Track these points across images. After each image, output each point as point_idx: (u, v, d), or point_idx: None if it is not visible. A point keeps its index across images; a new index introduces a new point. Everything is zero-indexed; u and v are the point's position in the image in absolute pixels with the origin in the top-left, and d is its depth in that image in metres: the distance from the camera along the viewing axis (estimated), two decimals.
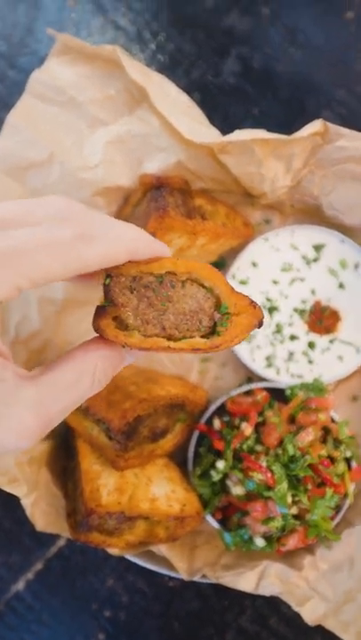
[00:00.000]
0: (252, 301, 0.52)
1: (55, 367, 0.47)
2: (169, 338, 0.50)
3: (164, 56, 1.01)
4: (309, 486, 0.82)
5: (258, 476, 0.82)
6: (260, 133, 0.84)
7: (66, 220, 0.46)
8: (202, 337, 0.51)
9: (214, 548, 0.91)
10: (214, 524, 0.88)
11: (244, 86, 1.01)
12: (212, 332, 0.51)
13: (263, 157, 0.86)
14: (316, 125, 0.84)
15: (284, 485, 0.81)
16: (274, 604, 0.93)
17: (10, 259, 0.41)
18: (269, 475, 0.81)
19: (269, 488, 0.82)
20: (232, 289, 0.52)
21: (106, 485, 0.83)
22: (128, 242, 0.48)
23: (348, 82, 1.01)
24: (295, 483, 0.82)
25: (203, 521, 0.90)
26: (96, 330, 0.49)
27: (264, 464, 0.83)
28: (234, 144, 0.85)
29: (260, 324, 0.52)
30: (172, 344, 0.50)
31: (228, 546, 0.87)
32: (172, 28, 1.02)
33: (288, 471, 0.82)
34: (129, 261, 0.49)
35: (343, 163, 0.86)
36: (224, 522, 0.89)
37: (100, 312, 0.50)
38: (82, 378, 0.47)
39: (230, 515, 0.89)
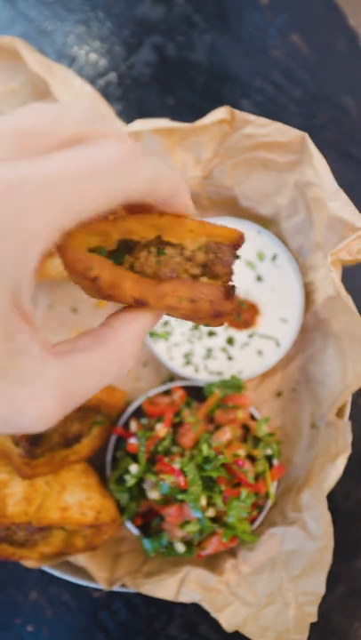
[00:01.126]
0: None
1: (84, 348, 0.40)
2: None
3: (75, 48, 0.98)
4: (223, 487, 0.78)
5: (170, 479, 0.79)
6: (163, 122, 0.81)
7: (104, 136, 0.38)
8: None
9: (139, 556, 0.88)
10: (134, 530, 0.85)
11: (158, 76, 0.98)
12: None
13: (170, 148, 0.83)
14: (221, 112, 0.81)
15: (198, 487, 0.78)
16: (204, 611, 0.89)
17: (51, 189, 0.33)
18: (181, 477, 0.78)
19: (183, 491, 0.79)
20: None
21: (13, 495, 0.79)
22: (172, 177, 0.40)
23: (264, 69, 0.98)
24: (210, 484, 0.79)
25: (121, 528, 0.86)
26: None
27: (177, 466, 0.79)
28: (137, 135, 0.81)
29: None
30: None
31: (148, 552, 0.84)
32: (83, 18, 0.99)
33: (202, 472, 0.79)
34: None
35: (253, 150, 0.83)
36: (145, 528, 0.86)
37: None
38: (110, 365, 0.41)
39: (151, 519, 0.85)
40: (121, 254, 0.43)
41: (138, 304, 0.43)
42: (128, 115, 0.97)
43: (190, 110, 0.98)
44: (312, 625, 0.85)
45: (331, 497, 0.87)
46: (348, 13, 0.99)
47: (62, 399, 0.37)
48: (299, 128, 0.94)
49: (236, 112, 0.81)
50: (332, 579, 0.87)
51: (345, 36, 0.99)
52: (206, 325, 0.46)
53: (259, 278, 0.88)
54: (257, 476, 0.84)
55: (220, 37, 0.98)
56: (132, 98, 0.98)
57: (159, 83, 0.98)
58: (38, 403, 0.36)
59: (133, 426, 0.86)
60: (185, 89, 0.98)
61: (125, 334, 0.42)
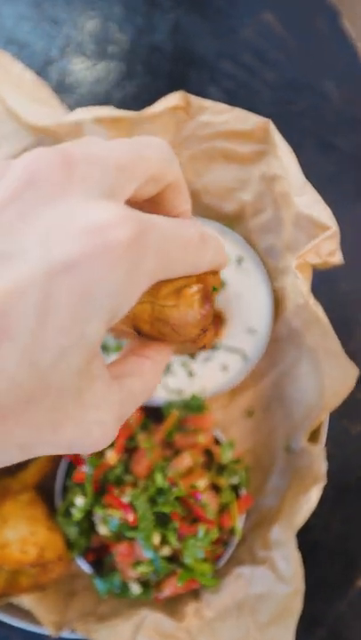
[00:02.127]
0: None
1: (132, 373, 0.43)
2: None
3: (26, 33, 0.90)
4: (177, 524, 0.69)
5: (118, 514, 0.69)
6: (108, 110, 0.72)
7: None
8: None
9: (94, 594, 0.79)
10: (86, 567, 0.76)
11: (117, 62, 0.89)
12: None
13: (117, 138, 0.74)
14: (174, 98, 0.72)
15: (149, 524, 0.69)
16: None
17: (167, 247, 0.36)
18: (131, 512, 0.69)
19: (133, 527, 0.70)
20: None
21: None
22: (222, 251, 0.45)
23: (234, 51, 0.88)
24: (164, 520, 0.70)
25: (71, 565, 0.77)
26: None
27: (127, 499, 0.70)
28: (80, 125, 0.72)
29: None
30: None
31: (101, 593, 0.75)
32: (36, 0, 0.90)
33: (154, 507, 0.69)
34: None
35: (212, 140, 0.74)
36: (99, 564, 0.77)
37: None
38: (149, 386, 0.44)
39: (104, 556, 0.76)
40: None
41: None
42: (83, 105, 0.88)
43: (153, 99, 0.89)
44: None
45: (309, 530, 0.78)
46: None
47: (119, 422, 0.39)
48: (274, 116, 0.84)
49: (192, 97, 0.72)
50: (312, 622, 0.77)
51: (324, 13, 0.88)
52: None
53: (222, 284, 0.78)
54: (222, 508, 0.74)
55: (186, 16, 0.89)
56: (86, 86, 0.89)
57: (118, 69, 0.89)
58: (104, 427, 0.37)
59: None
60: (146, 75, 0.89)
61: (160, 363, 0.45)
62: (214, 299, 0.47)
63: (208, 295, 0.45)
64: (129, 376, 0.42)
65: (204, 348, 0.48)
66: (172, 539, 0.69)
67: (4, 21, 0.90)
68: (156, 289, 0.45)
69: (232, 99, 0.88)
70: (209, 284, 0.46)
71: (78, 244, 0.31)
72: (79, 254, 0.31)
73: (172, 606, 0.75)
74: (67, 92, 0.89)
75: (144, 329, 0.45)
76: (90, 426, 0.36)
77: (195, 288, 0.44)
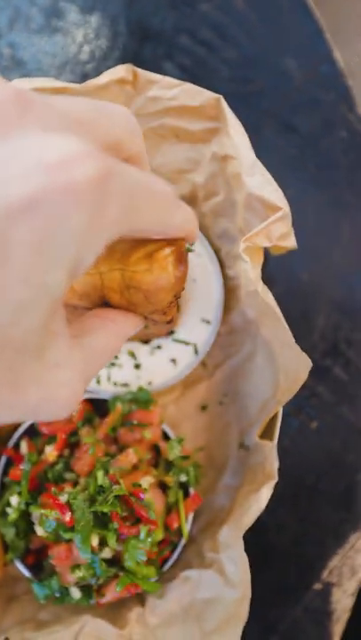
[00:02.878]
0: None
1: (91, 329, 0.41)
2: None
3: None
4: (117, 525, 0.64)
5: (53, 514, 0.65)
6: (47, 81, 0.67)
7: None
8: None
9: (35, 599, 0.74)
10: (24, 571, 0.71)
11: (62, 33, 0.84)
12: None
13: None
14: (120, 70, 0.67)
15: (87, 525, 0.64)
16: None
17: (132, 195, 0.33)
18: (67, 512, 0.64)
19: (70, 528, 0.65)
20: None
21: None
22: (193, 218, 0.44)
23: (192, 26, 0.84)
24: (103, 520, 0.65)
25: (7, 568, 0.73)
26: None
27: (64, 498, 0.65)
28: None
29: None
30: None
31: (39, 599, 0.70)
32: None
33: (92, 506, 0.65)
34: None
35: (161, 117, 0.70)
36: (38, 567, 0.72)
37: None
38: (112, 347, 0.43)
39: (43, 559, 0.72)
40: None
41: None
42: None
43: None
44: None
45: (263, 532, 0.74)
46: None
47: (85, 384, 0.37)
48: (232, 95, 0.80)
49: (139, 71, 0.67)
50: (266, 629, 0.74)
51: None
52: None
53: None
54: (169, 508, 0.70)
55: None
56: (36, 62, 0.84)
57: (69, 43, 0.84)
58: (70, 388, 0.35)
59: (24, 447, 0.72)
60: (97, 51, 0.84)
61: (125, 328, 0.45)
62: (187, 260, 0.45)
63: (182, 256, 0.43)
64: (89, 335, 0.40)
65: (171, 323, 0.47)
66: (112, 540, 0.64)
67: None
68: (126, 255, 0.43)
69: (188, 76, 0.83)
70: (181, 246, 0.44)
71: (37, 180, 0.27)
72: (39, 191, 0.27)
73: (116, 612, 0.71)
74: (16, 68, 0.84)
75: (114, 299, 0.44)
76: (55, 387, 0.34)
77: (167, 250, 0.42)
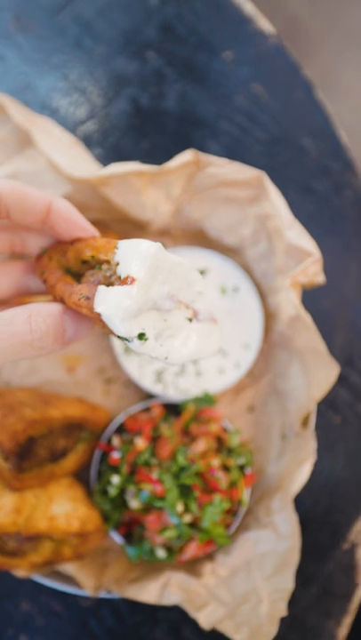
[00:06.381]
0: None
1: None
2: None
3: (57, 100, 1.09)
4: (197, 494, 0.85)
5: (148, 488, 0.85)
6: (135, 166, 0.91)
7: None
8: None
9: (123, 564, 0.94)
10: (117, 538, 0.91)
11: (134, 123, 1.08)
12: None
13: (141, 187, 0.92)
14: (187, 155, 0.91)
15: (174, 495, 0.85)
16: (187, 615, 0.95)
17: None
18: (159, 485, 0.85)
19: (161, 499, 0.85)
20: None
21: (3, 507, 0.85)
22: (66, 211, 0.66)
23: (229, 114, 1.08)
24: (185, 492, 0.86)
25: (106, 537, 0.92)
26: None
27: (155, 476, 0.86)
28: (111, 177, 0.91)
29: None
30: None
31: (132, 559, 0.90)
32: (65, 73, 1.09)
33: (178, 481, 0.85)
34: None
35: (216, 187, 0.93)
36: (128, 536, 0.92)
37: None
38: (16, 317, 0.55)
39: (133, 528, 0.92)
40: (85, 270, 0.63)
41: (60, 301, 0.60)
42: (107, 158, 1.07)
43: (163, 153, 1.08)
44: (289, 624, 0.91)
45: (301, 504, 0.94)
46: (303, 65, 1.10)
47: None
48: (263, 166, 1.04)
49: (200, 154, 0.91)
50: (307, 580, 0.93)
51: (302, 85, 1.09)
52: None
53: (221, 307, 0.97)
54: (231, 485, 0.90)
55: (190, 86, 1.09)
56: (111, 143, 1.08)
57: (134, 129, 1.08)
58: None
59: (116, 441, 0.93)
60: (158, 134, 1.08)
61: (32, 303, 0.59)
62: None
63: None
64: None
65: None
66: (193, 506, 0.85)
67: (39, 91, 1.09)
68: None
69: (229, 152, 1.07)
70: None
71: None
72: None
73: (192, 568, 0.91)
74: (93, 147, 1.07)
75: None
76: None
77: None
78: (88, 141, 1.08)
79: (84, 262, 0.63)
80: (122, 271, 0.57)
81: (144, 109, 1.09)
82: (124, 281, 0.56)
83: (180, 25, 1.10)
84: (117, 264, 0.58)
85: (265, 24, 1.11)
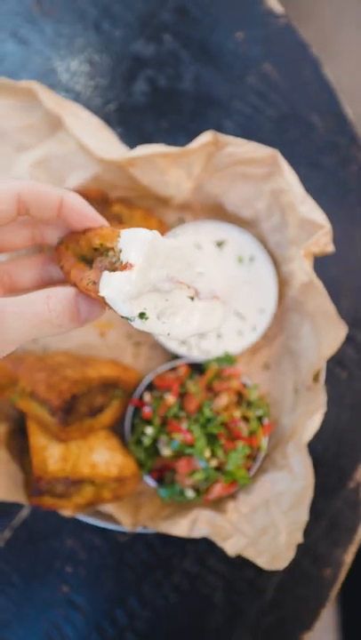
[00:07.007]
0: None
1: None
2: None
3: (81, 83, 1.16)
4: (223, 441, 0.97)
5: (179, 437, 0.97)
6: (159, 148, 0.99)
7: None
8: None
9: (156, 505, 1.06)
10: (151, 482, 1.03)
11: (153, 104, 1.16)
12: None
13: (165, 167, 1.01)
14: (206, 136, 0.99)
15: (202, 442, 0.96)
16: (212, 546, 1.08)
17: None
18: (189, 435, 0.96)
19: (190, 446, 0.97)
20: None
21: (52, 456, 0.97)
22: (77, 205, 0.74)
23: (242, 94, 1.16)
24: (212, 440, 0.97)
25: (141, 481, 1.05)
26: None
27: (184, 426, 0.98)
28: (138, 159, 0.99)
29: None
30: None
31: (164, 499, 1.02)
32: (86, 57, 1.16)
33: (205, 430, 0.97)
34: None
35: (233, 165, 1.01)
36: (160, 480, 1.04)
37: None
38: (37, 299, 0.63)
39: (164, 473, 1.04)
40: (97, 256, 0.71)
41: (74, 285, 0.68)
42: (129, 138, 1.14)
43: (182, 131, 1.16)
44: (302, 551, 1.04)
45: (312, 451, 1.06)
46: (311, 44, 1.17)
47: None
48: (274, 142, 1.13)
49: (219, 135, 0.99)
50: (317, 515, 1.06)
51: (310, 63, 1.16)
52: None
53: (238, 275, 1.07)
54: (251, 433, 1.02)
55: (204, 68, 1.16)
56: (132, 123, 1.15)
57: (154, 109, 1.16)
58: (5, 334, 0.64)
59: (147, 397, 1.04)
60: (176, 113, 1.16)
61: (50, 288, 0.69)
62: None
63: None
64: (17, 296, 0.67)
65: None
66: (219, 452, 0.96)
67: (63, 75, 1.16)
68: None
69: (242, 130, 1.15)
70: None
71: None
72: None
73: (217, 506, 1.03)
74: (114, 127, 1.15)
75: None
76: None
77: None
78: (109, 121, 1.15)
79: (95, 250, 0.71)
80: (124, 257, 0.64)
81: (162, 90, 1.16)
82: (124, 267, 0.63)
83: (195, 7, 1.17)
84: (120, 251, 0.65)
85: (275, 4, 1.18)
